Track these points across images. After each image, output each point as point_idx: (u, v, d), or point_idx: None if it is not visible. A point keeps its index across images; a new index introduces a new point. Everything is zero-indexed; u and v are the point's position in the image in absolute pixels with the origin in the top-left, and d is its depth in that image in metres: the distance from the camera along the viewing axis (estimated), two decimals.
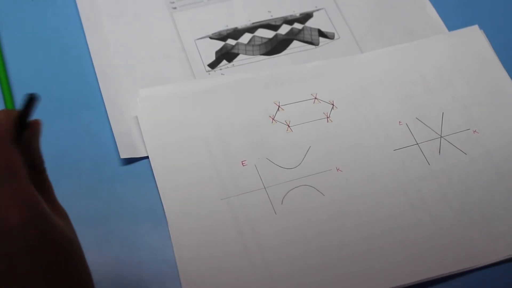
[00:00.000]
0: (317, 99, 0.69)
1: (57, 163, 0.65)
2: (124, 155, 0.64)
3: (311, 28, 0.75)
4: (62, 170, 0.64)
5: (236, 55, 0.73)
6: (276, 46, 0.74)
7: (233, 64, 0.72)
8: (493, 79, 0.71)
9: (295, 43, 0.74)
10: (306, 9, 0.77)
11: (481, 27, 0.74)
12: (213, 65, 0.72)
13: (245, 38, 0.74)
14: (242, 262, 0.59)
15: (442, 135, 0.67)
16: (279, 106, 0.68)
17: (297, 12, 0.77)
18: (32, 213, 0.43)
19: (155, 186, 0.63)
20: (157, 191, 0.62)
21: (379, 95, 0.69)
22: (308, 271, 0.59)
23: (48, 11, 0.75)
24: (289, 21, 0.76)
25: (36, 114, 0.68)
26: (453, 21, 0.76)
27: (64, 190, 0.63)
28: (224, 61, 0.72)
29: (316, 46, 0.74)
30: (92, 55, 0.72)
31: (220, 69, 0.72)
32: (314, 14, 0.76)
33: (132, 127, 0.66)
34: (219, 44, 0.74)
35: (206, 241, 0.59)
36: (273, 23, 0.75)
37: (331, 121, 0.67)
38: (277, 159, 0.64)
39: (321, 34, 0.75)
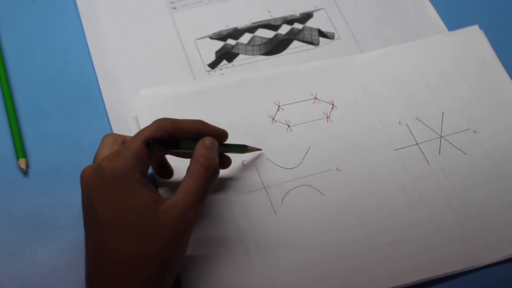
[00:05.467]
0: (317, 99, 0.69)
1: (57, 163, 0.65)
2: None
3: (311, 28, 0.75)
4: (62, 170, 0.64)
5: (236, 55, 0.73)
6: (276, 46, 0.74)
7: (233, 64, 0.72)
8: (493, 79, 0.71)
9: (295, 43, 0.74)
10: (306, 9, 0.77)
11: (481, 27, 0.74)
12: (213, 65, 0.72)
13: (245, 38, 0.74)
14: (242, 261, 0.59)
15: (442, 135, 0.67)
16: (279, 106, 0.68)
17: (297, 12, 0.77)
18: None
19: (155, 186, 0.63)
20: (157, 191, 0.62)
21: (379, 95, 0.69)
22: (308, 271, 0.59)
23: (48, 11, 0.75)
24: (289, 21, 0.76)
25: (36, 114, 0.68)
26: (453, 21, 0.76)
27: (64, 190, 0.64)
28: (224, 61, 0.72)
29: (316, 46, 0.74)
30: (92, 55, 0.72)
31: (220, 69, 0.72)
32: (314, 14, 0.76)
33: (132, 127, 0.66)
34: (219, 44, 0.74)
35: (206, 241, 0.59)
36: (273, 23, 0.75)
37: (331, 121, 0.67)
38: (277, 159, 0.64)
39: (321, 34, 0.75)
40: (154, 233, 0.50)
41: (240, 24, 0.75)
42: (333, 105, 0.68)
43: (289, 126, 0.67)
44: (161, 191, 0.62)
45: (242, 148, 0.62)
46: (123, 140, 0.57)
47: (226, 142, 0.60)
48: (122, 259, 0.50)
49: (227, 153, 0.61)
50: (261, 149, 0.64)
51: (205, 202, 0.54)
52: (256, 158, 0.64)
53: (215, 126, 0.58)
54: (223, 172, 0.63)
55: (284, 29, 0.75)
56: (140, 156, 0.53)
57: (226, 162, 0.61)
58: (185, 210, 0.52)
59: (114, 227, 0.51)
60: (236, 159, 0.63)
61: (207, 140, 0.56)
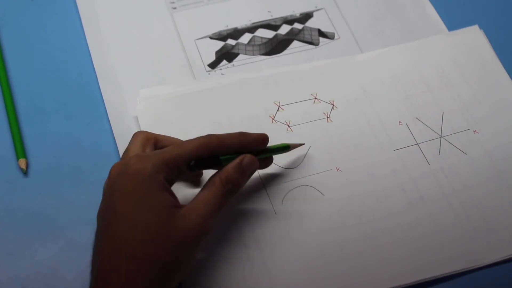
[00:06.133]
0: (317, 99, 0.69)
1: (57, 163, 0.65)
2: None
3: (311, 28, 0.75)
4: (62, 170, 0.64)
5: (236, 55, 0.73)
6: (276, 46, 0.74)
7: (233, 64, 0.72)
8: (493, 79, 0.71)
9: (295, 43, 0.74)
10: (306, 9, 0.77)
11: (481, 27, 0.74)
12: (213, 65, 0.72)
13: (245, 38, 0.74)
14: (242, 261, 0.59)
15: (442, 135, 0.67)
16: (279, 106, 0.68)
17: (297, 12, 0.77)
18: None
19: None
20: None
21: (379, 95, 0.69)
22: (308, 271, 0.59)
23: (48, 11, 0.75)
24: (289, 21, 0.76)
25: (36, 114, 0.68)
26: (453, 21, 0.76)
27: (64, 190, 0.64)
28: (224, 61, 0.72)
29: (316, 46, 0.74)
30: (92, 55, 0.72)
31: (220, 69, 0.72)
32: (314, 14, 0.76)
33: (132, 127, 0.66)
34: (219, 44, 0.74)
35: (206, 241, 0.59)
36: (273, 23, 0.75)
37: (331, 121, 0.67)
38: (277, 159, 0.64)
39: (321, 34, 0.75)
40: (166, 236, 0.51)
41: (240, 24, 0.75)
42: (333, 105, 0.68)
43: (289, 126, 0.67)
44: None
45: (284, 149, 0.62)
46: (155, 139, 0.58)
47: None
48: (129, 256, 0.50)
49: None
50: (303, 143, 0.64)
51: (217, 217, 0.55)
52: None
53: (255, 134, 0.59)
54: None
55: (284, 29, 0.75)
56: (170, 164, 0.53)
57: (267, 161, 0.61)
58: (201, 219, 0.53)
59: (129, 224, 0.51)
60: None
61: (246, 159, 0.57)
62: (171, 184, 0.55)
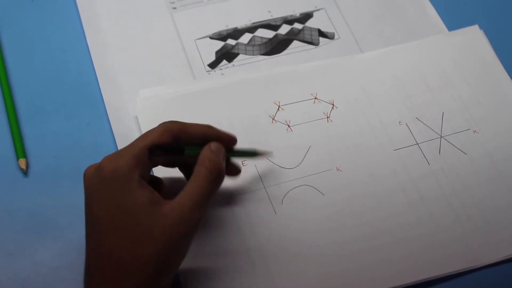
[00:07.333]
0: (317, 99, 0.69)
1: (57, 163, 0.65)
2: None
3: (311, 28, 0.75)
4: (62, 170, 0.64)
5: (236, 55, 0.73)
6: (276, 46, 0.74)
7: (233, 64, 0.72)
8: (493, 79, 0.71)
9: (295, 43, 0.74)
10: (306, 9, 0.77)
11: (481, 27, 0.74)
12: (213, 65, 0.72)
13: (245, 38, 0.74)
14: (242, 261, 0.59)
15: (442, 135, 0.67)
16: (279, 106, 0.68)
17: (297, 12, 0.77)
18: None
19: None
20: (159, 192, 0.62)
21: (379, 95, 0.69)
22: (308, 271, 0.59)
23: (48, 11, 0.75)
24: (289, 21, 0.76)
25: (36, 114, 0.68)
26: (453, 21, 0.76)
27: (64, 190, 0.64)
28: (224, 61, 0.72)
29: (316, 46, 0.74)
30: (92, 55, 0.72)
31: (220, 69, 0.72)
32: (314, 14, 0.76)
33: (132, 127, 0.66)
34: (219, 44, 0.74)
35: (206, 241, 0.59)
36: (273, 23, 0.75)
37: (331, 121, 0.67)
38: (277, 159, 0.64)
39: (321, 34, 0.75)
40: (150, 237, 0.50)
41: (240, 24, 0.75)
42: (333, 105, 0.68)
43: (289, 126, 0.67)
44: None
45: (251, 153, 0.62)
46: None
47: (236, 147, 0.59)
48: (117, 262, 0.50)
49: (237, 159, 0.60)
50: (271, 151, 0.63)
51: (207, 207, 0.54)
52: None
53: (223, 131, 0.58)
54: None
55: (284, 29, 0.75)
56: (140, 158, 0.52)
57: (235, 170, 0.60)
58: (186, 214, 0.51)
59: (111, 229, 0.50)
60: (236, 159, 0.63)
61: (213, 145, 0.55)
62: (148, 178, 0.53)
